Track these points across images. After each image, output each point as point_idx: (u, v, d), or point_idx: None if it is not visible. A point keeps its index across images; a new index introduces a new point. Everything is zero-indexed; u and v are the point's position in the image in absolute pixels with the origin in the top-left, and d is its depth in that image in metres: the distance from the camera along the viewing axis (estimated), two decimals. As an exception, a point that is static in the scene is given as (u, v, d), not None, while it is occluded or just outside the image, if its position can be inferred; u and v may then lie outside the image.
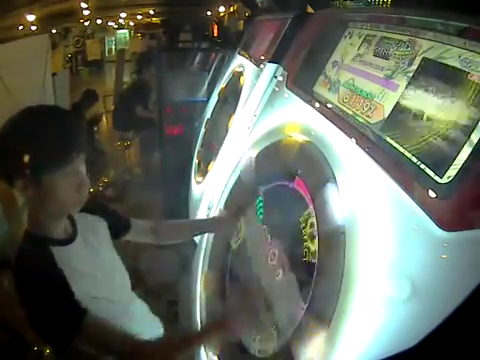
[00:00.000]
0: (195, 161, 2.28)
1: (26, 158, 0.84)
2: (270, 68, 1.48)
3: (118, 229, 1.11)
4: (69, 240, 0.96)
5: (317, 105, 1.06)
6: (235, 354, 1.02)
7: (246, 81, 1.74)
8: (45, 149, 0.85)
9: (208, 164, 1.91)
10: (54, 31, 11.69)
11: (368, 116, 0.87)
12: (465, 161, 0.59)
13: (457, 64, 0.68)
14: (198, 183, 2.02)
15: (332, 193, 0.83)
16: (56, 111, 0.97)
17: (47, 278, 0.86)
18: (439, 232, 0.58)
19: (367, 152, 0.79)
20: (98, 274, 0.98)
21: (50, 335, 0.89)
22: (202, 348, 1.16)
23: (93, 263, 0.99)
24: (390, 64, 0.87)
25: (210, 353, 1.12)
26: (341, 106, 0.99)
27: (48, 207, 0.91)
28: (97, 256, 1.01)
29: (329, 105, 1.03)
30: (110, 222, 1.08)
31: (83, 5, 11.49)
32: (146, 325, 1.11)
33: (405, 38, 0.85)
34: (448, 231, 0.57)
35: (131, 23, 16.59)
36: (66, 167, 0.87)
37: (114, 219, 1.11)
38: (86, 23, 14.33)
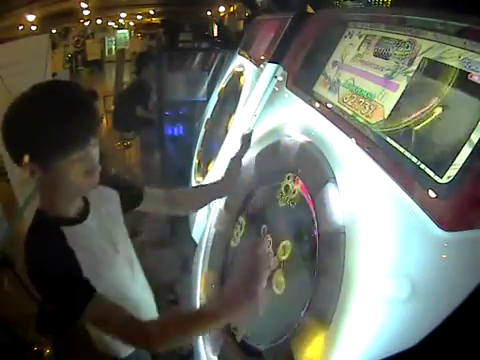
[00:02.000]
0: (195, 161, 2.28)
1: (35, 140, 0.81)
2: (270, 68, 1.48)
3: (130, 200, 1.09)
4: (80, 219, 0.95)
5: (317, 105, 1.06)
6: (235, 354, 1.02)
7: (246, 81, 1.74)
8: (59, 132, 0.81)
9: (208, 164, 1.91)
10: (54, 31, 11.70)
11: (368, 116, 0.87)
12: (465, 161, 0.59)
13: (457, 64, 0.68)
14: (198, 183, 2.02)
15: (332, 193, 0.83)
16: (74, 89, 0.90)
17: (57, 257, 0.86)
18: (439, 232, 0.58)
19: (367, 152, 0.79)
20: (108, 250, 0.99)
21: (61, 309, 0.90)
22: (202, 348, 1.16)
23: (103, 240, 0.99)
24: (390, 64, 0.87)
25: (210, 353, 1.12)
26: (341, 106, 0.99)
27: (59, 189, 0.90)
28: (108, 233, 1.01)
29: (329, 105, 1.03)
30: (122, 193, 1.07)
31: (83, 5, 11.49)
32: (152, 312, 1.12)
33: (405, 38, 0.85)
34: (448, 231, 0.57)
35: (131, 23, 16.61)
36: (80, 152, 0.84)
37: (126, 190, 1.09)
38: (86, 23, 14.34)
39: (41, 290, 0.89)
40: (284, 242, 0.99)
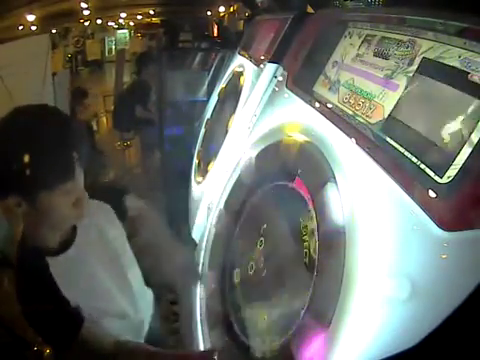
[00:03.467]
0: (195, 161, 2.27)
1: (20, 173, 0.75)
2: (270, 68, 1.48)
3: (123, 209, 1.06)
4: (63, 248, 0.91)
5: (317, 105, 1.06)
6: (235, 354, 1.02)
7: (246, 81, 1.74)
8: (43, 164, 0.76)
9: (208, 164, 1.91)
10: (54, 31, 11.69)
11: (368, 116, 0.87)
12: (465, 161, 0.59)
13: (457, 64, 0.68)
14: (198, 183, 2.02)
15: (332, 193, 0.83)
16: (54, 114, 0.85)
17: (42, 288, 0.84)
18: (439, 232, 0.58)
19: (367, 152, 0.79)
20: (96, 281, 0.95)
21: (51, 340, 0.90)
22: (202, 348, 1.16)
23: (90, 268, 0.94)
24: (390, 64, 0.87)
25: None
26: (341, 106, 0.99)
27: (44, 222, 0.86)
28: (99, 251, 0.97)
29: (329, 105, 1.03)
30: (113, 203, 1.03)
31: (83, 5, 11.49)
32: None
33: (405, 38, 0.85)
34: (448, 231, 0.57)
35: (131, 23, 16.59)
36: (67, 183, 0.80)
37: (117, 199, 1.06)
38: (86, 23, 14.32)
39: (33, 321, 0.87)
40: (284, 242, 0.99)
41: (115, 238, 1.02)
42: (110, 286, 0.98)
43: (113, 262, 1.00)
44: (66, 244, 0.92)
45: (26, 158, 0.75)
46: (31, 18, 10.69)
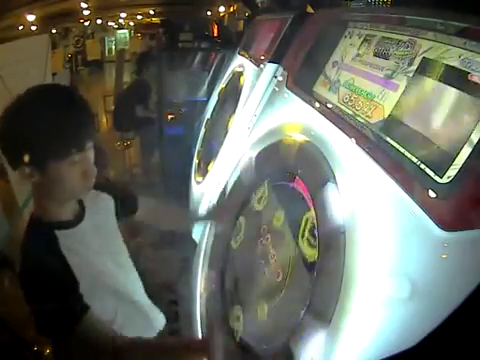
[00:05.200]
0: (195, 161, 2.28)
1: (33, 143, 0.81)
2: (270, 68, 1.48)
3: (125, 209, 1.10)
4: (76, 222, 0.95)
5: (317, 105, 1.06)
6: (235, 354, 1.02)
7: (246, 81, 1.74)
8: (55, 135, 0.81)
9: (208, 164, 1.91)
10: (54, 31, 11.69)
11: (368, 116, 0.87)
12: (465, 161, 0.59)
13: (457, 64, 0.68)
14: (198, 183, 2.02)
15: (332, 193, 0.83)
16: (70, 93, 0.91)
17: (50, 265, 0.85)
18: (439, 232, 0.58)
19: (367, 152, 0.79)
20: (103, 256, 0.99)
21: (50, 324, 0.87)
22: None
23: (99, 245, 0.99)
24: (390, 64, 0.87)
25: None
26: (341, 106, 0.99)
27: (54, 193, 0.90)
28: (103, 237, 1.01)
29: (329, 105, 1.03)
30: (118, 201, 1.08)
31: (83, 5, 11.49)
32: (149, 317, 1.13)
33: (405, 38, 0.85)
34: (448, 231, 0.57)
35: (131, 23, 16.58)
36: (78, 154, 0.85)
37: (122, 198, 1.10)
38: (86, 23, 14.32)
39: (30, 295, 0.86)
40: (284, 242, 0.99)
41: (114, 225, 1.08)
42: (111, 263, 1.02)
43: (113, 244, 1.06)
44: (78, 218, 0.96)
45: (37, 129, 0.80)
46: (31, 18, 10.68)
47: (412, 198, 0.64)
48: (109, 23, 15.66)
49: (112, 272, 1.01)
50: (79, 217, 0.97)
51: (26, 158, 0.82)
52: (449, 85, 0.69)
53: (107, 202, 1.06)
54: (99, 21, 14.71)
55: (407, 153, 0.71)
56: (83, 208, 0.99)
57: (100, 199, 1.05)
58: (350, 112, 0.94)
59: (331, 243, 0.78)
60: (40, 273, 0.84)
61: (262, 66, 1.55)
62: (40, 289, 0.84)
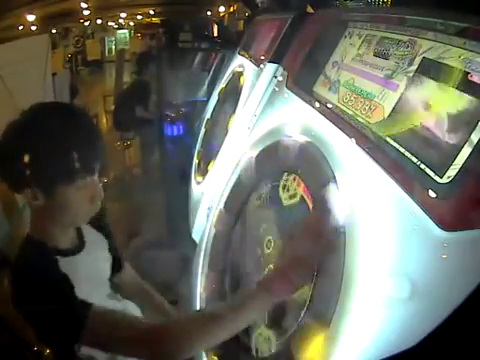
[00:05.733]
0: (195, 161, 2.28)
1: (40, 167, 0.77)
2: (270, 68, 1.48)
3: (113, 261, 1.06)
4: (76, 250, 0.92)
5: (317, 105, 1.06)
6: (235, 354, 1.02)
7: (246, 81, 1.74)
8: (64, 157, 0.78)
9: (208, 164, 1.91)
10: (54, 31, 11.69)
11: (368, 116, 0.87)
12: (465, 161, 0.59)
13: (457, 64, 0.68)
14: (198, 183, 2.02)
15: (332, 193, 0.83)
16: (76, 112, 0.87)
17: (49, 281, 0.81)
18: (439, 232, 0.58)
19: (367, 152, 0.79)
20: (97, 285, 0.96)
21: (56, 335, 0.82)
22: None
23: (94, 274, 0.96)
24: (390, 64, 0.87)
25: (210, 353, 1.11)
26: (341, 106, 0.99)
27: (57, 217, 0.86)
28: (98, 269, 0.98)
29: (329, 105, 1.03)
30: (110, 246, 1.04)
31: (83, 5, 11.49)
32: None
33: (405, 38, 0.85)
34: (448, 231, 0.57)
35: (131, 23, 16.58)
36: (87, 178, 0.82)
37: (113, 247, 1.06)
38: (86, 23, 14.32)
39: (34, 317, 0.82)
40: (284, 242, 0.99)
41: (107, 266, 1.03)
42: (100, 296, 0.97)
43: (104, 282, 1.02)
44: (78, 246, 0.93)
45: (43, 150, 0.76)
46: (31, 18, 10.69)
47: (412, 198, 0.64)
48: (109, 23, 15.67)
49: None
50: (79, 247, 0.93)
51: (29, 182, 0.78)
52: (449, 85, 0.69)
53: (102, 242, 1.02)
54: (99, 21, 14.71)
55: (407, 153, 0.71)
56: (82, 238, 0.96)
57: (96, 236, 1.01)
58: (350, 112, 0.94)
59: (331, 243, 0.78)
60: (39, 290, 0.80)
61: (262, 66, 1.55)
62: (41, 305, 0.79)
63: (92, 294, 0.89)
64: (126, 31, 15.57)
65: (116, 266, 1.07)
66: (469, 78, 0.65)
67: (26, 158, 0.77)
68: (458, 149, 0.61)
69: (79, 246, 0.94)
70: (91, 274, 0.94)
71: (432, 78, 0.73)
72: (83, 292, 0.85)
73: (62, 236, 0.90)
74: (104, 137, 0.91)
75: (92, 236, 1.00)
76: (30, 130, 0.79)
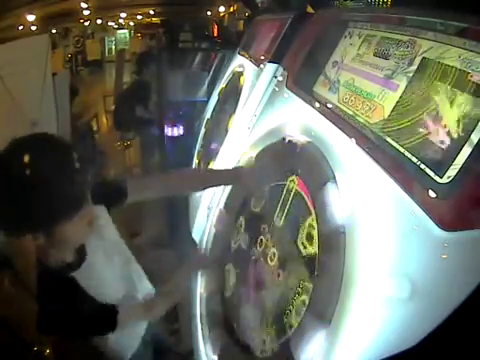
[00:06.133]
0: (195, 161, 2.28)
1: (37, 214, 0.77)
2: (270, 68, 1.48)
3: (114, 200, 1.06)
4: (83, 255, 0.96)
5: (317, 105, 1.06)
6: (235, 354, 1.02)
7: (246, 81, 1.74)
8: (58, 198, 0.77)
9: (208, 164, 1.91)
10: (54, 31, 11.70)
11: (368, 116, 0.87)
12: (465, 161, 0.59)
13: (457, 64, 0.68)
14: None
15: (332, 193, 0.83)
16: (55, 145, 0.82)
17: (71, 299, 0.89)
18: (439, 232, 0.58)
19: (367, 152, 0.79)
20: (113, 264, 1.03)
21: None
22: (202, 348, 1.16)
23: (105, 265, 1.01)
24: (390, 64, 0.87)
25: (210, 353, 1.12)
26: (341, 106, 0.99)
27: (60, 246, 0.90)
28: (106, 249, 1.03)
29: (329, 105, 1.03)
30: (107, 203, 1.05)
31: (83, 5, 11.50)
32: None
33: (405, 38, 0.85)
34: (448, 231, 0.57)
35: (131, 23, 16.59)
36: (82, 210, 0.83)
37: (110, 196, 1.06)
38: (86, 23, 14.33)
39: (67, 329, 0.93)
40: (284, 242, 0.99)
41: (110, 235, 1.07)
42: (118, 276, 1.06)
43: (115, 255, 1.06)
44: (81, 255, 0.96)
45: (38, 196, 0.75)
46: (31, 18, 10.69)
47: (412, 198, 0.64)
48: (109, 23, 15.68)
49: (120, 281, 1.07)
50: (82, 256, 0.96)
51: (29, 227, 0.79)
52: (449, 85, 0.69)
53: (99, 211, 1.01)
54: (99, 21, 14.72)
55: (407, 153, 0.71)
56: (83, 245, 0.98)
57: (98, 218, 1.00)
58: (350, 112, 0.94)
59: (331, 243, 0.78)
60: (65, 310, 0.89)
61: (262, 66, 1.55)
62: (69, 320, 0.90)
63: (114, 286, 1.02)
64: (126, 31, 15.56)
65: (117, 200, 1.06)
66: (469, 78, 0.65)
67: (19, 209, 0.75)
68: (458, 149, 0.61)
69: (82, 255, 0.97)
70: (107, 255, 1.01)
71: (432, 78, 0.73)
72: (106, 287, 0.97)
73: (68, 253, 0.94)
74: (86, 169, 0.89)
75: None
76: (12, 175, 0.76)
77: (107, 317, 0.94)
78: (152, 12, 15.37)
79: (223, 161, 1.66)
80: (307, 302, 0.81)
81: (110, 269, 1.02)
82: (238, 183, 1.25)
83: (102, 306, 0.94)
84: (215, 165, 1.78)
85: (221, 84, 2.28)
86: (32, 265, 0.93)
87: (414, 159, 0.69)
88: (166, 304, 1.09)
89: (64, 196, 0.78)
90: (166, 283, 1.12)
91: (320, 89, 1.14)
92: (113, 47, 14.39)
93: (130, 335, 1.15)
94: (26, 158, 0.75)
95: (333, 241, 0.78)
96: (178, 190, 1.29)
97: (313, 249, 0.86)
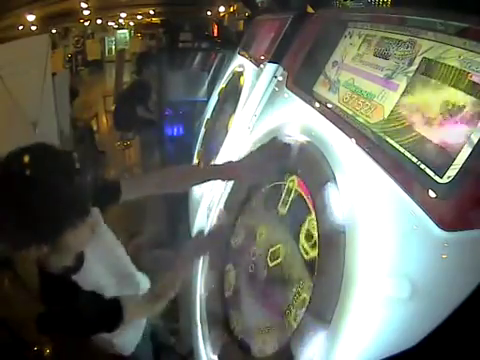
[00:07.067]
0: (195, 161, 2.28)
1: (40, 226, 0.77)
2: (270, 68, 1.48)
3: (107, 199, 1.05)
4: (80, 263, 0.96)
5: (317, 105, 1.06)
6: (235, 354, 1.02)
7: (246, 81, 1.74)
8: (62, 211, 0.77)
9: (208, 164, 1.91)
10: (54, 31, 11.70)
11: (368, 116, 0.87)
12: (465, 161, 0.59)
13: (457, 64, 0.68)
14: (198, 183, 2.02)
15: (332, 193, 0.83)
16: (55, 155, 0.81)
17: (75, 298, 0.90)
18: (439, 232, 0.58)
19: (367, 152, 0.79)
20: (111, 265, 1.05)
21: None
22: (202, 347, 1.16)
23: (106, 259, 1.04)
24: (390, 64, 0.87)
25: (210, 353, 1.12)
26: (341, 106, 0.99)
27: (62, 254, 0.90)
28: (108, 245, 1.06)
29: (329, 105, 1.03)
30: (100, 205, 1.02)
31: (83, 5, 11.50)
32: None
33: (405, 38, 0.85)
34: (448, 231, 0.57)
35: (131, 23, 16.59)
36: (87, 218, 0.84)
37: (102, 198, 1.03)
38: (86, 23, 14.33)
39: (74, 329, 0.95)
40: (284, 242, 0.99)
41: (107, 237, 1.08)
42: (115, 277, 1.07)
43: (109, 252, 1.08)
44: (80, 261, 0.97)
45: (44, 208, 0.75)
46: (31, 18, 10.70)
47: (412, 198, 0.64)
48: (109, 23, 15.68)
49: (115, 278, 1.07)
50: (80, 257, 0.97)
51: (33, 239, 0.79)
52: (449, 85, 0.69)
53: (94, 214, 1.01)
54: (99, 21, 14.73)
55: (407, 153, 0.71)
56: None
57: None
58: (350, 112, 0.94)
59: (331, 243, 0.78)
60: (71, 311, 0.90)
61: (262, 66, 1.55)
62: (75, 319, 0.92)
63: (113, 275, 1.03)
64: (126, 31, 15.58)
65: (111, 198, 1.05)
66: (469, 78, 0.65)
67: (20, 221, 0.75)
68: (458, 149, 0.61)
69: (81, 257, 0.97)
70: (107, 253, 1.03)
71: (432, 78, 0.73)
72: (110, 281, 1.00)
73: (68, 257, 0.94)
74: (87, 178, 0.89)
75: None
76: (16, 189, 0.75)
77: (112, 312, 0.95)
78: (152, 12, 15.37)
79: (223, 161, 1.66)
80: (307, 302, 0.81)
81: (107, 271, 1.03)
82: (232, 176, 1.25)
83: (106, 302, 0.94)
84: (215, 165, 1.78)
85: (221, 84, 2.28)
86: (32, 266, 0.93)
87: (414, 159, 0.69)
88: (169, 291, 1.07)
89: (69, 205, 0.79)
90: (167, 274, 1.11)
91: (320, 89, 1.14)
92: (113, 47, 14.42)
93: (131, 333, 1.16)
94: (28, 171, 0.75)
95: (333, 241, 0.78)
96: (172, 187, 1.26)
97: (313, 249, 0.86)
